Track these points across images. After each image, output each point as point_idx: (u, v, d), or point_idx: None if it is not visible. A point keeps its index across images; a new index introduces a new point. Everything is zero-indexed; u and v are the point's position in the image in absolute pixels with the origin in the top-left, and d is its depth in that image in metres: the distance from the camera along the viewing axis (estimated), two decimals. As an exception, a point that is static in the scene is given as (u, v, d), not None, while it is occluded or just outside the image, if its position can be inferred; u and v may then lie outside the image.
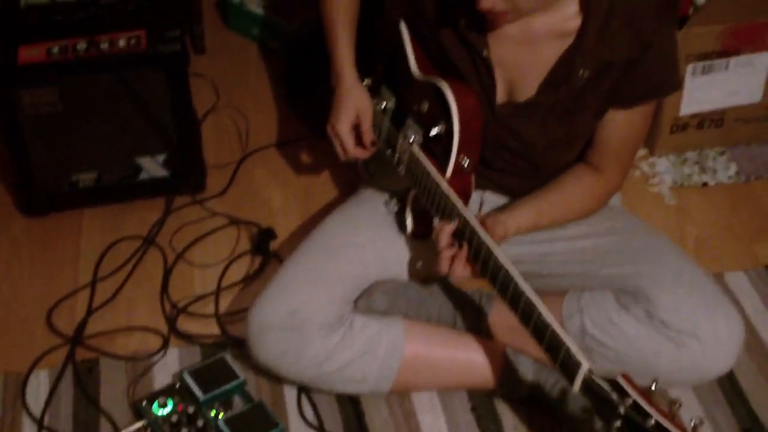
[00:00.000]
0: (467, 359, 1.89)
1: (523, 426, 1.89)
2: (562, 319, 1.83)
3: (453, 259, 1.73)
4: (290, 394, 1.95)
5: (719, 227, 2.41)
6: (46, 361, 2.02)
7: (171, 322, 2.10)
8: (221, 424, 1.83)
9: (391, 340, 1.85)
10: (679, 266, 1.84)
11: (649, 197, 2.48)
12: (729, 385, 1.97)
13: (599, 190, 1.88)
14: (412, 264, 1.97)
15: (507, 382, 1.88)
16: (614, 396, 1.44)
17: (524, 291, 1.61)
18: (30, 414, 1.93)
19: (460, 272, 1.72)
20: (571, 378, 1.54)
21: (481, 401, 1.94)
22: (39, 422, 1.91)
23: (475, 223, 1.69)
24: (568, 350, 1.54)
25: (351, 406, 1.93)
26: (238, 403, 1.91)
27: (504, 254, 1.65)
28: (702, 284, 1.82)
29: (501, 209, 1.85)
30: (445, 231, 1.73)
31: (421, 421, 1.91)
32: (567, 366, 1.55)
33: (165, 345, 2.05)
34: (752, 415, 1.93)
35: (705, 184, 2.53)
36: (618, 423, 1.43)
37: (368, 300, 1.90)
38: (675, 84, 1.81)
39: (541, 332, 1.60)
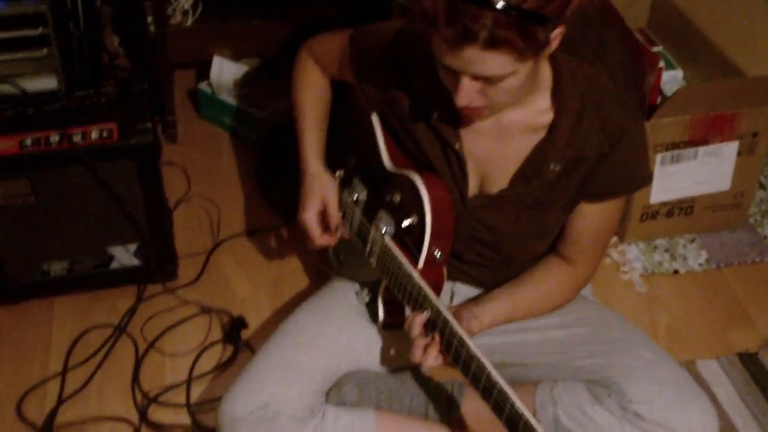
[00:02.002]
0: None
1: None
2: (535, 409, 1.88)
3: (426, 348, 1.78)
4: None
5: (691, 315, 2.48)
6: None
7: (142, 412, 2.15)
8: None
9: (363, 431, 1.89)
10: (651, 358, 1.89)
11: (619, 285, 2.56)
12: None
13: (571, 282, 1.94)
14: (384, 353, 2.02)
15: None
16: None
17: (497, 381, 1.66)
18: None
19: (433, 362, 1.77)
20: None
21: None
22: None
23: (447, 314, 1.74)
24: None
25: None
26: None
27: (476, 345, 1.71)
28: (676, 377, 1.86)
29: (474, 301, 1.90)
30: (417, 321, 1.78)
31: None
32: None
33: (137, 433, 2.10)
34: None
35: (676, 272, 2.61)
36: None
37: (339, 392, 1.94)
38: (644, 179, 1.87)
39: (514, 423, 1.64)
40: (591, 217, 1.86)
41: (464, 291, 2.02)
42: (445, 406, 2.01)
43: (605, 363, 1.88)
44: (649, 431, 1.79)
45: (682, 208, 2.64)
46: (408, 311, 1.86)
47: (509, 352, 1.97)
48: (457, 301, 2.01)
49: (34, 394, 2.19)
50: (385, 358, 2.03)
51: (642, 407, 1.80)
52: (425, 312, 1.78)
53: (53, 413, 2.14)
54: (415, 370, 2.06)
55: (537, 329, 1.96)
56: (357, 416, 1.90)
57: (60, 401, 2.17)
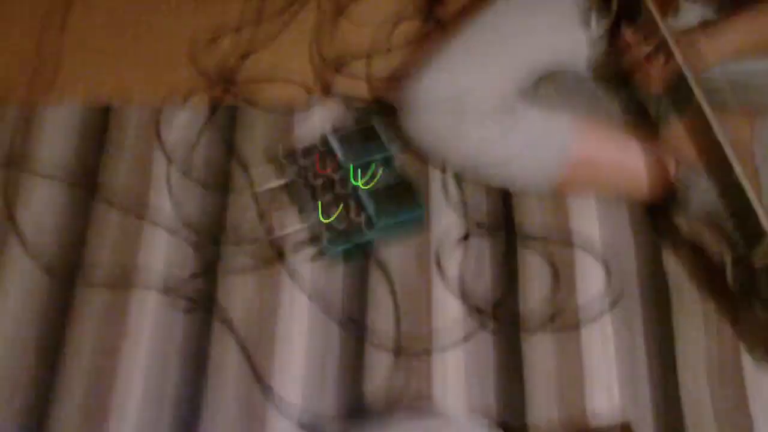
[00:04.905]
0: (636, 167, 1.80)
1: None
2: (751, 141, 1.71)
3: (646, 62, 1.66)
4: (436, 175, 1.91)
5: None
6: (187, 99, 2.02)
7: (322, 78, 2.06)
8: (363, 194, 1.80)
9: (559, 138, 1.78)
10: None
11: None
12: None
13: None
14: (590, 60, 1.87)
15: (676, 199, 1.78)
16: None
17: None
18: (164, 150, 1.93)
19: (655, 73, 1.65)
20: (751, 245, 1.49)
21: (642, 219, 1.87)
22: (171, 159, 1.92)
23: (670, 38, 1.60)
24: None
25: (501, 199, 1.88)
26: (382, 176, 1.86)
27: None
28: None
29: (702, 30, 1.71)
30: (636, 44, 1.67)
31: (573, 227, 1.85)
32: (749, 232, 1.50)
33: (313, 101, 2.02)
34: None
35: None
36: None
37: (539, 92, 1.81)
38: None
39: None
40: None
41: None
42: (647, 119, 1.85)
43: None
44: None
45: None
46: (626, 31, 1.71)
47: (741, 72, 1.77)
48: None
49: (212, 46, 2.12)
50: (589, 65, 1.87)
51: None
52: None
53: (230, 67, 2.07)
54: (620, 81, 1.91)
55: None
56: (554, 120, 1.79)
57: (238, 56, 2.09)
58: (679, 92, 1.60)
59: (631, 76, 1.71)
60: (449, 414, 1.58)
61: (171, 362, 1.69)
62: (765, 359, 1.69)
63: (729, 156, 1.51)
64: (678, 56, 1.59)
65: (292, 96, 2.04)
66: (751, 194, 1.48)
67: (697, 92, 1.56)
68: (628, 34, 1.69)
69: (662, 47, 1.63)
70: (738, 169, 1.51)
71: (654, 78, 1.67)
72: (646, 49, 1.66)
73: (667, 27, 1.62)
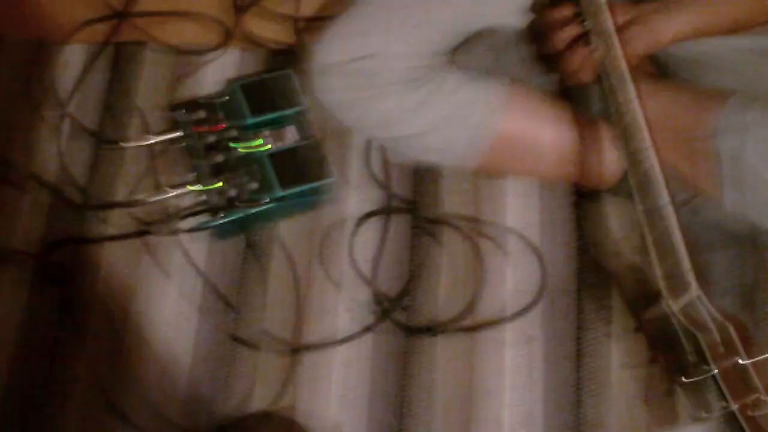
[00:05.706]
0: (578, 148, 1.55)
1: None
2: (714, 131, 1.43)
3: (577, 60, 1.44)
4: (358, 141, 1.69)
5: None
6: (84, 34, 1.79)
7: (238, 15, 1.81)
8: (265, 157, 1.58)
9: (489, 108, 1.53)
10: None
11: None
12: None
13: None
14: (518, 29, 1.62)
15: (621, 184, 1.55)
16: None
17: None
18: (55, 92, 1.72)
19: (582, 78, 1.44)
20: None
21: (585, 200, 1.63)
22: (63, 104, 1.72)
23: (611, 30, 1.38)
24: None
25: (415, 175, 1.67)
26: (292, 137, 1.64)
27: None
28: None
29: (655, 6, 1.45)
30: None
31: (508, 203, 1.64)
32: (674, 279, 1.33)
33: (226, 41, 1.78)
34: None
35: None
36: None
37: (469, 54, 1.57)
38: None
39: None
40: None
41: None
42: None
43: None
44: None
45: None
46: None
47: (696, 43, 1.51)
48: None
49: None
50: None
51: None
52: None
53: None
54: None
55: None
56: (484, 87, 1.54)
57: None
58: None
59: (554, 60, 1.46)
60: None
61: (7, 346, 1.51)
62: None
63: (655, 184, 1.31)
64: (611, 44, 1.37)
65: (204, 34, 1.80)
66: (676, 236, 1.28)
67: (625, 90, 1.34)
68: (561, 9, 1.44)
69: (593, 32, 1.40)
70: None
71: (578, 67, 1.43)
72: (573, 31, 1.42)
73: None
